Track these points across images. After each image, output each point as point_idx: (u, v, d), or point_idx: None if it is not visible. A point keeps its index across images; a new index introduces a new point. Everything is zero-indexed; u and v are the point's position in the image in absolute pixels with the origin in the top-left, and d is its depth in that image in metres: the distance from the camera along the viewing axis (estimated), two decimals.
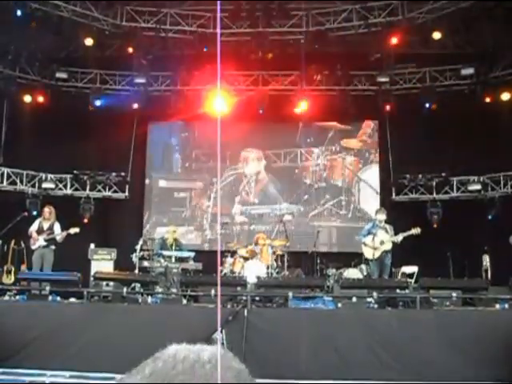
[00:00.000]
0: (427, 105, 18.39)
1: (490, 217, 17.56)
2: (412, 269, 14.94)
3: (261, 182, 20.47)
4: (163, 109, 19.48)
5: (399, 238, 14.30)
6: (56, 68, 18.62)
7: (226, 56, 18.02)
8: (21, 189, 18.71)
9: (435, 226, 17.92)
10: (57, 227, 14.68)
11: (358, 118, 19.58)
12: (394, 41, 16.77)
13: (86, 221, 18.44)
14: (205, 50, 17.41)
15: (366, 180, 19.76)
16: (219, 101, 17.89)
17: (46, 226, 14.69)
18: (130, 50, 17.86)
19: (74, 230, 14.59)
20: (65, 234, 14.54)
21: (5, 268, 15.04)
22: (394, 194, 18.79)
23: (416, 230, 14.31)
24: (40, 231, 14.61)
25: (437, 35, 16.47)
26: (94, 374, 9.89)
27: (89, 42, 16.98)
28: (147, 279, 13.73)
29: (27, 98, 18.50)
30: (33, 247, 14.60)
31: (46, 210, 14.95)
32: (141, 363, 1.11)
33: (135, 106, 19.24)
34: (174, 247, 15.39)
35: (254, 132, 20.40)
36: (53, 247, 14.59)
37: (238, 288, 12.54)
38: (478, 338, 9.87)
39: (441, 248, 15.93)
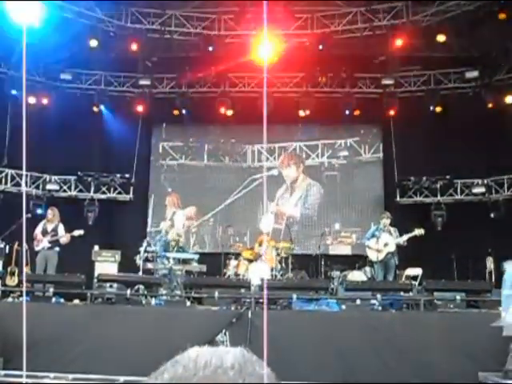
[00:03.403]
0: (431, 107, 18.39)
1: (492, 215, 17.60)
2: (416, 271, 14.92)
3: (299, 190, 20.20)
4: (168, 110, 19.53)
5: (403, 239, 14.34)
6: (60, 69, 18.64)
7: (230, 57, 18.13)
8: (25, 190, 18.71)
9: (439, 228, 17.92)
10: (61, 229, 14.69)
11: (362, 120, 19.56)
12: (399, 43, 16.74)
13: (90, 222, 18.47)
14: (210, 49, 17.46)
15: (369, 183, 19.73)
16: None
17: (50, 227, 14.70)
18: (135, 51, 17.87)
19: (78, 233, 14.61)
20: (69, 236, 14.55)
21: (8, 270, 15.04)
22: (398, 196, 18.78)
23: (419, 231, 14.35)
24: (44, 233, 14.62)
25: (441, 38, 16.45)
26: (98, 376, 9.89)
27: (93, 43, 16.99)
28: (151, 281, 13.73)
29: (31, 100, 18.51)
30: (36, 249, 14.60)
31: (49, 211, 14.97)
32: (159, 366, 1.08)
33: (140, 107, 19.27)
34: (176, 248, 15.36)
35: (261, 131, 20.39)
36: (57, 249, 14.59)
37: (242, 290, 12.54)
38: (481, 340, 9.85)
39: (445, 250, 15.93)
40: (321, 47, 17.37)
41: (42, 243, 14.51)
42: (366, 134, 20.01)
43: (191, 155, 20.56)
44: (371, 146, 19.91)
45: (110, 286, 13.22)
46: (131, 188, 19.45)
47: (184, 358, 1.06)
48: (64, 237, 14.54)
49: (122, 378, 9.68)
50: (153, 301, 12.69)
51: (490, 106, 17.57)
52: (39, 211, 17.79)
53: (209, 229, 19.85)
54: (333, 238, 18.10)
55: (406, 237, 14.37)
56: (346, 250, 18.74)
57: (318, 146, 20.16)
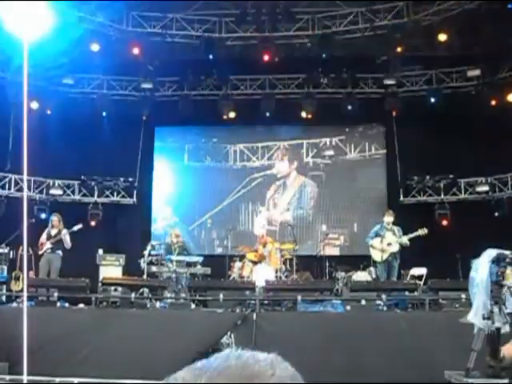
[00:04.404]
0: (434, 106, 18.36)
1: (496, 214, 17.60)
2: (421, 271, 14.90)
3: (291, 188, 20.08)
4: (170, 114, 19.54)
5: (406, 238, 14.30)
6: (62, 74, 18.65)
7: (233, 60, 18.16)
8: (29, 195, 18.72)
9: (443, 227, 17.89)
10: (64, 233, 14.74)
11: (365, 120, 19.57)
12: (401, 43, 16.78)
13: (93, 226, 18.48)
14: (210, 57, 17.55)
15: (372, 183, 19.69)
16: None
17: (53, 232, 14.77)
18: (137, 55, 17.89)
19: (77, 227, 14.74)
20: (70, 231, 14.65)
21: (13, 274, 15.06)
22: (401, 196, 18.76)
23: (423, 231, 14.31)
24: (48, 238, 14.70)
25: (442, 37, 16.44)
26: (103, 380, 9.89)
27: (95, 47, 17.00)
28: (155, 284, 13.73)
29: (34, 105, 18.53)
30: (39, 252, 14.66)
31: (54, 218, 15.07)
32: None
33: (142, 110, 19.27)
34: (178, 250, 15.35)
35: (262, 133, 20.38)
36: (60, 253, 14.67)
37: (247, 292, 12.54)
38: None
39: (449, 249, 15.89)
40: (324, 56, 17.47)
41: (46, 246, 14.58)
42: (368, 134, 19.97)
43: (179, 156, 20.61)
44: (374, 146, 19.86)
45: (115, 290, 13.24)
46: (135, 191, 19.46)
47: (219, 354, 1.10)
48: (66, 234, 14.61)
49: (127, 382, 9.68)
50: (157, 304, 12.69)
51: (493, 104, 17.55)
52: (43, 216, 17.82)
53: (207, 231, 19.86)
54: (320, 239, 18.06)
55: (409, 236, 14.34)
56: (334, 252, 18.74)
57: (319, 145, 20.12)
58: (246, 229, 19.68)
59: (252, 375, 1.00)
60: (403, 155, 18.59)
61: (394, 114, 18.74)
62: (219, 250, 18.85)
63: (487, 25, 15.80)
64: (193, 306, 12.25)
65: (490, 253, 8.20)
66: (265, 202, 19.81)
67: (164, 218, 19.55)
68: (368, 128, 19.99)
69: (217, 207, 19.73)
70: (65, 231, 14.75)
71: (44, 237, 14.80)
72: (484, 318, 7.95)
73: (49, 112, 18.47)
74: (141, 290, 13.11)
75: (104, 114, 19.27)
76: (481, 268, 8.20)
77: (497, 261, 8.09)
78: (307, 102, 18.94)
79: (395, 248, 14.37)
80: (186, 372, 1.06)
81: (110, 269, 16.00)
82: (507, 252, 8.19)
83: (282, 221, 19.30)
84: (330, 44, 17.31)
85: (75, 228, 14.72)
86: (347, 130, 20.09)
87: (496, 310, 7.96)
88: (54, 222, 14.95)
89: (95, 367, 10.17)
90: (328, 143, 20.01)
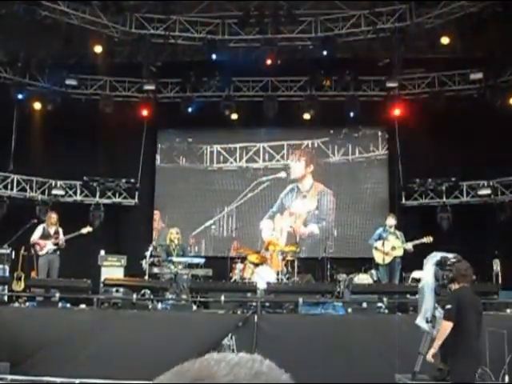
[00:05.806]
0: (436, 109, 18.34)
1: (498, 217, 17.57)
2: (422, 273, 14.87)
3: (311, 198, 19.74)
4: (172, 115, 19.54)
5: (410, 245, 14.28)
6: (66, 75, 18.68)
7: (235, 62, 18.18)
8: (31, 196, 18.73)
9: (445, 230, 17.86)
10: (61, 232, 14.70)
11: (366, 122, 19.55)
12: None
13: (95, 227, 18.49)
14: (214, 57, 17.56)
15: (374, 185, 19.65)
16: None
17: (52, 231, 14.65)
18: (139, 56, 17.91)
19: (86, 230, 14.70)
20: (78, 233, 14.61)
21: (15, 275, 15.06)
22: (403, 198, 18.73)
23: (428, 239, 14.29)
24: (46, 237, 14.56)
25: (445, 40, 16.45)
26: (104, 380, 9.90)
27: (98, 49, 17.02)
28: (157, 285, 13.74)
29: (37, 105, 18.55)
30: (41, 253, 14.55)
31: (53, 215, 14.92)
32: (165, 370, 1.09)
33: (144, 112, 19.28)
34: (176, 250, 15.33)
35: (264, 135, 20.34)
36: (58, 252, 14.60)
37: (248, 294, 12.55)
38: (489, 342, 9.83)
39: (451, 253, 15.87)
40: (326, 58, 17.48)
41: (46, 247, 14.47)
42: (370, 137, 19.94)
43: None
44: (375, 148, 19.83)
45: (117, 291, 13.26)
46: (136, 193, 19.45)
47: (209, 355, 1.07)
48: (63, 239, 14.57)
49: (128, 382, 9.69)
50: (159, 305, 12.72)
51: (495, 107, 17.52)
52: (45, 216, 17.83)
53: (209, 234, 19.83)
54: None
55: (414, 243, 14.33)
56: (335, 254, 18.69)
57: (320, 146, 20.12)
58: (249, 233, 19.58)
59: (207, 376, 0.99)
60: (405, 158, 18.56)
61: (396, 116, 18.72)
62: (221, 252, 18.78)
63: (490, 28, 15.80)
64: (194, 307, 12.28)
65: (434, 256, 8.27)
66: (272, 205, 19.66)
67: (155, 219, 19.69)
68: (369, 130, 19.96)
69: (221, 211, 19.67)
70: (61, 231, 14.70)
71: (38, 235, 14.60)
72: (427, 322, 8.01)
73: (51, 113, 18.45)
74: (142, 291, 13.12)
75: (106, 115, 19.22)
76: (425, 271, 8.30)
77: (440, 264, 8.16)
78: (309, 104, 18.94)
79: (399, 252, 14.37)
80: (166, 374, 1.07)
81: (112, 270, 15.96)
82: (450, 255, 8.26)
83: (308, 233, 19.11)
84: (332, 46, 17.32)
85: (84, 231, 14.69)
86: (348, 131, 20.01)
87: (438, 313, 8.01)
88: (53, 219, 14.79)
89: (96, 368, 10.19)
90: (327, 145, 19.97)
